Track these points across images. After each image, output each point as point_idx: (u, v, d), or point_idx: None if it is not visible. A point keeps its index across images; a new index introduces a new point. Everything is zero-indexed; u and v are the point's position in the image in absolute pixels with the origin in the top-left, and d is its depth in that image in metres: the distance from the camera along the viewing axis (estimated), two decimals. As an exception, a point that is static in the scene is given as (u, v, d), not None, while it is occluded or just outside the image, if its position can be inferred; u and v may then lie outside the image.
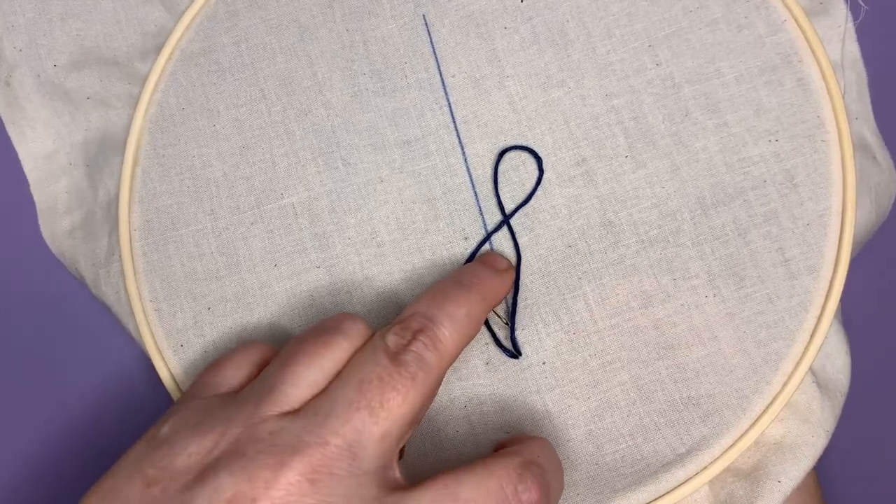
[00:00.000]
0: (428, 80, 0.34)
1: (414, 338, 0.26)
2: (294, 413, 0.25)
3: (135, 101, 0.36)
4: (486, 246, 0.32)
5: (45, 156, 0.37)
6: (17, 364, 0.37)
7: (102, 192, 0.36)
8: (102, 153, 0.36)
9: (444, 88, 0.34)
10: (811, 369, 0.30)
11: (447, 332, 0.27)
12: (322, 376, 0.26)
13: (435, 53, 0.34)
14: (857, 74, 0.34)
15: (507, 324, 0.31)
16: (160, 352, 0.33)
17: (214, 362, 0.29)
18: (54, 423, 0.37)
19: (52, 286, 0.38)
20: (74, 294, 0.37)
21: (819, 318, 0.29)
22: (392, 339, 0.26)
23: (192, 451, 0.24)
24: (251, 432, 0.24)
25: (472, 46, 0.34)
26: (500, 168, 0.33)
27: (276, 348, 0.29)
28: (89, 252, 0.36)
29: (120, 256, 0.34)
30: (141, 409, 0.36)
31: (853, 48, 0.34)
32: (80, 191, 0.36)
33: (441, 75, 0.34)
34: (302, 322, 0.33)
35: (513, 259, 0.32)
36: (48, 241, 0.36)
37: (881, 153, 0.33)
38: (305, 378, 0.25)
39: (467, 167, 0.33)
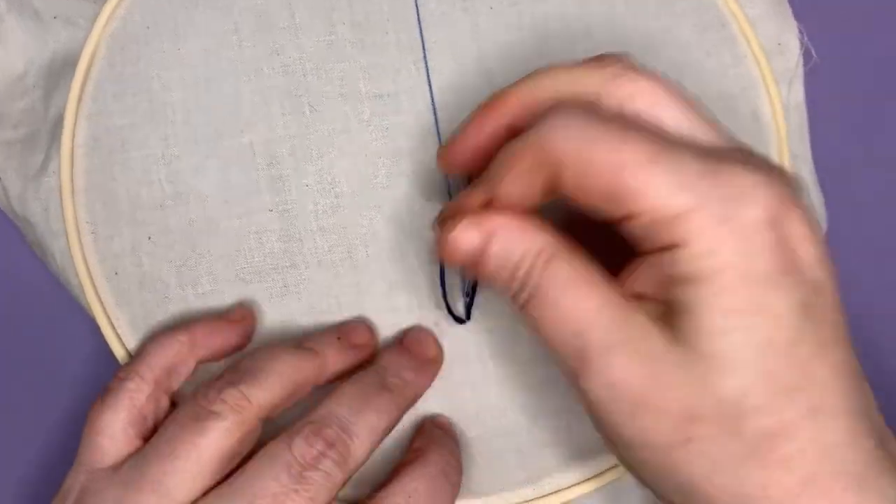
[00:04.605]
0: (408, 41, 0.34)
1: (324, 453, 0.25)
2: None
3: (101, 18, 0.34)
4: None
5: (16, 77, 0.34)
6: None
7: (53, 109, 0.34)
8: (62, 72, 0.34)
9: (424, 51, 0.34)
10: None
11: (360, 447, 0.26)
12: (206, 468, 0.25)
13: (419, 16, 0.34)
14: (799, 116, 0.36)
15: (467, 294, 0.31)
16: (91, 277, 0.31)
17: (90, 416, 0.27)
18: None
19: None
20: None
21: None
22: (300, 449, 0.25)
23: None
24: None
25: (456, 18, 0.34)
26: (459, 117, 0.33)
27: (148, 384, 0.27)
28: (21, 163, 0.34)
29: (59, 171, 0.32)
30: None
31: (799, 92, 0.37)
32: (34, 110, 0.34)
33: (423, 38, 0.34)
34: (246, 265, 0.31)
35: None
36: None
37: (815, 193, 0.36)
38: (185, 472, 0.25)
39: (437, 129, 0.33)
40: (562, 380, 0.31)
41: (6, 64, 0.34)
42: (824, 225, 0.37)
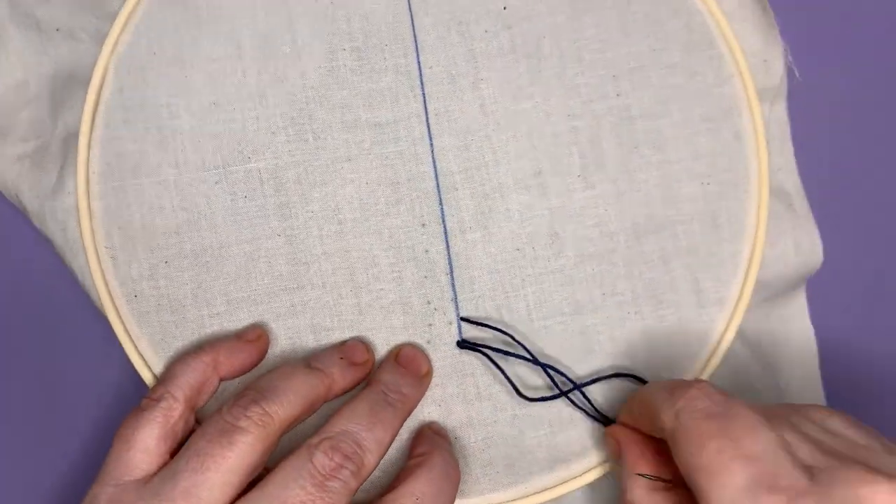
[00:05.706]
0: (406, 67, 0.35)
1: (342, 464, 0.28)
2: None
3: (103, 38, 0.34)
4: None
5: (15, 86, 0.35)
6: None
7: (61, 125, 0.35)
8: (68, 87, 0.35)
9: (421, 78, 0.35)
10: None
11: (372, 458, 0.29)
12: (235, 478, 0.28)
13: (416, 41, 0.36)
14: (780, 129, 0.38)
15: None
16: (112, 300, 0.33)
17: (122, 433, 0.30)
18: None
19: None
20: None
21: (718, 343, 0.35)
22: (320, 461, 0.28)
23: None
24: None
25: (452, 42, 0.36)
26: (464, 166, 0.35)
27: (181, 403, 0.30)
28: (35, 181, 0.35)
29: (76, 196, 0.34)
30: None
31: (781, 107, 0.38)
32: (40, 122, 0.35)
33: (419, 64, 0.35)
34: (256, 286, 0.34)
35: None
36: (-8, 164, 0.35)
37: (799, 201, 0.37)
38: (216, 482, 0.27)
39: (433, 157, 0.35)
40: (548, 392, 0.34)
41: (7, 71, 0.35)
42: (816, 234, 0.38)
